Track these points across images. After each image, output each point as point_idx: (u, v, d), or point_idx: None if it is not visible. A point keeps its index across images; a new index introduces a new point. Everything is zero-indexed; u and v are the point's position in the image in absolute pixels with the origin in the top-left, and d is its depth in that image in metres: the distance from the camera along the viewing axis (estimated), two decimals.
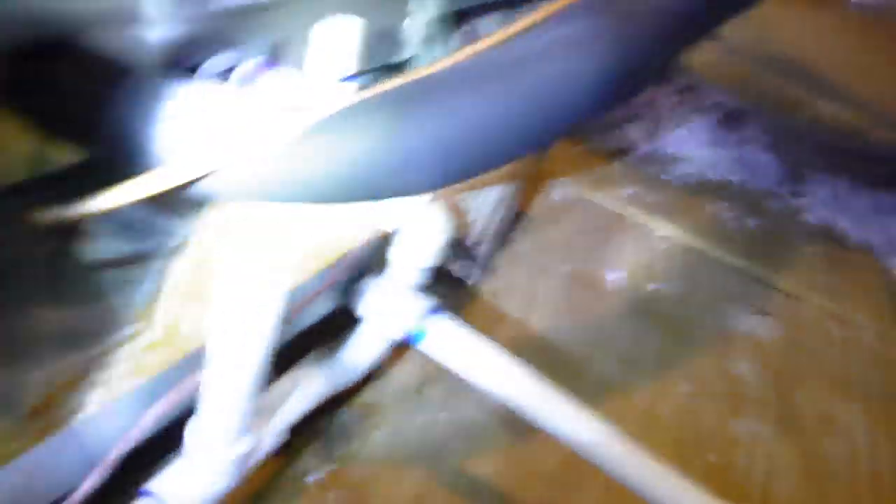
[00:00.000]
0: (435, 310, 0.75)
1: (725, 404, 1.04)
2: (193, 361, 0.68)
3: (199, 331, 0.70)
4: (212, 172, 0.42)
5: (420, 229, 0.72)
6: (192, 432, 0.59)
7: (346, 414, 0.87)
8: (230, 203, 0.55)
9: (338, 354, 0.76)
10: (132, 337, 0.69)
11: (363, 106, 0.50)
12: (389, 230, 0.71)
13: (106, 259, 0.76)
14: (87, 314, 0.70)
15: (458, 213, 0.83)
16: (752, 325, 1.19)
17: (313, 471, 0.81)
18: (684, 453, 0.95)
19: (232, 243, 0.47)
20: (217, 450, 0.57)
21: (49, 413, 0.61)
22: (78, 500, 0.55)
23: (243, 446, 0.58)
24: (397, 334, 0.74)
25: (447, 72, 0.54)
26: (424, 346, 0.74)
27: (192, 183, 0.51)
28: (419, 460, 0.86)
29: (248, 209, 0.49)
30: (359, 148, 0.50)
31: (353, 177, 0.52)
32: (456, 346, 0.74)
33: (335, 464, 0.82)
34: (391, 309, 0.74)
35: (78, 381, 0.64)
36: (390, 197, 0.58)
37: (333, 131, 0.51)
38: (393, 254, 0.74)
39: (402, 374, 0.94)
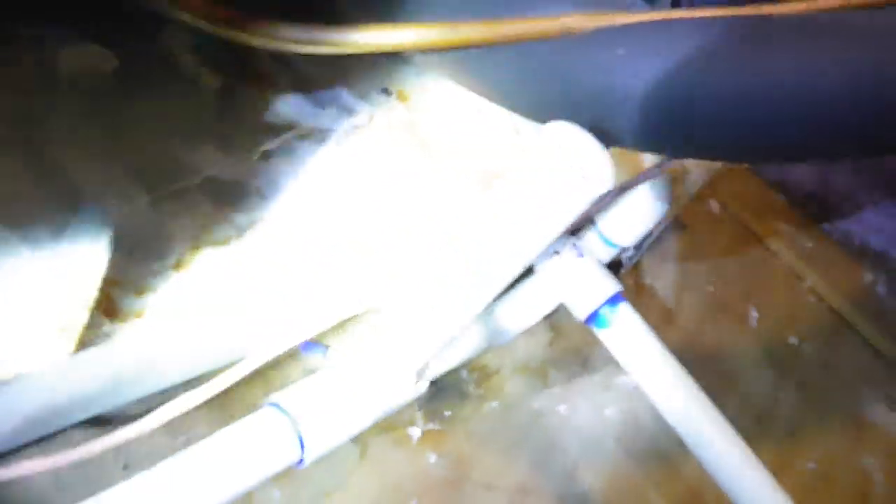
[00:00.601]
0: (622, 297, 0.63)
1: (851, 501, 0.92)
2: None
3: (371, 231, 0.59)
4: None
5: (643, 197, 0.60)
6: (348, 352, 0.48)
7: (464, 372, 0.76)
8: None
9: (496, 308, 0.64)
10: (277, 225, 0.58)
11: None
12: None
13: (278, 120, 0.64)
14: (247, 173, 0.59)
15: (677, 191, 0.71)
16: (889, 420, 1.06)
17: (418, 424, 0.71)
18: None
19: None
20: (374, 383, 0.46)
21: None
22: (215, 389, 0.44)
23: (408, 388, 0.47)
24: (579, 312, 0.62)
25: None
26: (605, 335, 0.62)
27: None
28: (528, 449, 0.75)
29: None
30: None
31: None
32: (637, 344, 0.62)
33: (442, 424, 0.72)
34: (578, 279, 0.62)
35: (225, 243, 0.54)
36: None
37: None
38: (603, 218, 0.62)
39: (528, 346, 0.83)
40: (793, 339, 1.10)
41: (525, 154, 0.37)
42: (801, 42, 0.40)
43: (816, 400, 1.03)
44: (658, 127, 0.44)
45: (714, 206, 1.26)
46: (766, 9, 0.46)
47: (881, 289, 1.31)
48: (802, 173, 1.47)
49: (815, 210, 1.38)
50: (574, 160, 0.35)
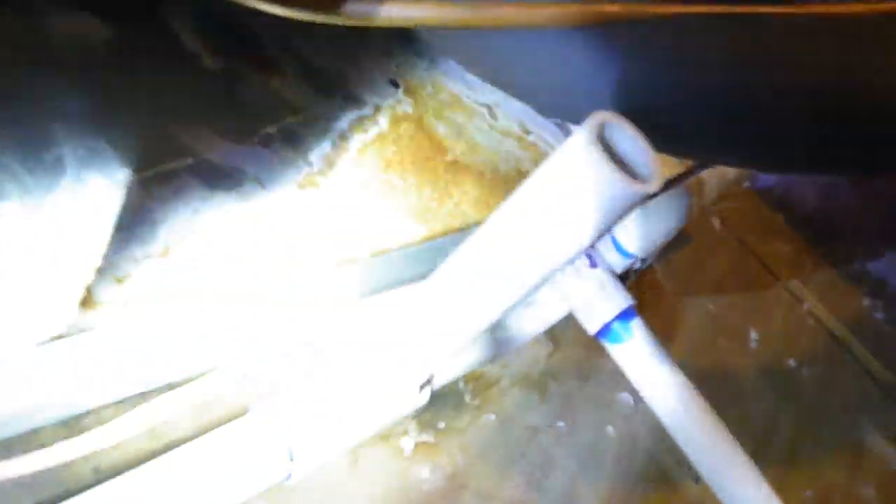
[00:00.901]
0: (634, 311, 0.60)
1: None
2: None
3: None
4: None
5: (663, 206, 0.57)
6: (344, 356, 0.44)
7: (461, 383, 0.72)
8: None
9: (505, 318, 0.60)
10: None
11: None
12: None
13: (280, 106, 0.60)
14: (244, 158, 0.55)
15: (698, 201, 0.68)
16: (885, 451, 1.03)
17: (410, 434, 0.67)
18: None
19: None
20: (373, 393, 0.42)
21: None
22: (198, 392, 0.40)
23: (409, 399, 0.43)
24: (590, 325, 0.59)
25: None
26: (616, 350, 0.59)
27: None
28: (525, 465, 0.72)
29: None
30: None
31: None
32: (648, 360, 0.58)
33: (436, 436, 0.68)
34: (591, 290, 0.58)
35: (217, 231, 0.49)
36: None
37: None
38: (620, 226, 0.59)
39: (527, 358, 0.80)
40: (792, 362, 1.07)
41: (560, 148, 0.34)
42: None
43: (814, 426, 1.01)
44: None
45: (716, 223, 1.23)
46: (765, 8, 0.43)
47: (879, 315, 1.29)
48: (804, 193, 1.45)
49: (816, 231, 1.36)
50: (621, 156, 0.32)
